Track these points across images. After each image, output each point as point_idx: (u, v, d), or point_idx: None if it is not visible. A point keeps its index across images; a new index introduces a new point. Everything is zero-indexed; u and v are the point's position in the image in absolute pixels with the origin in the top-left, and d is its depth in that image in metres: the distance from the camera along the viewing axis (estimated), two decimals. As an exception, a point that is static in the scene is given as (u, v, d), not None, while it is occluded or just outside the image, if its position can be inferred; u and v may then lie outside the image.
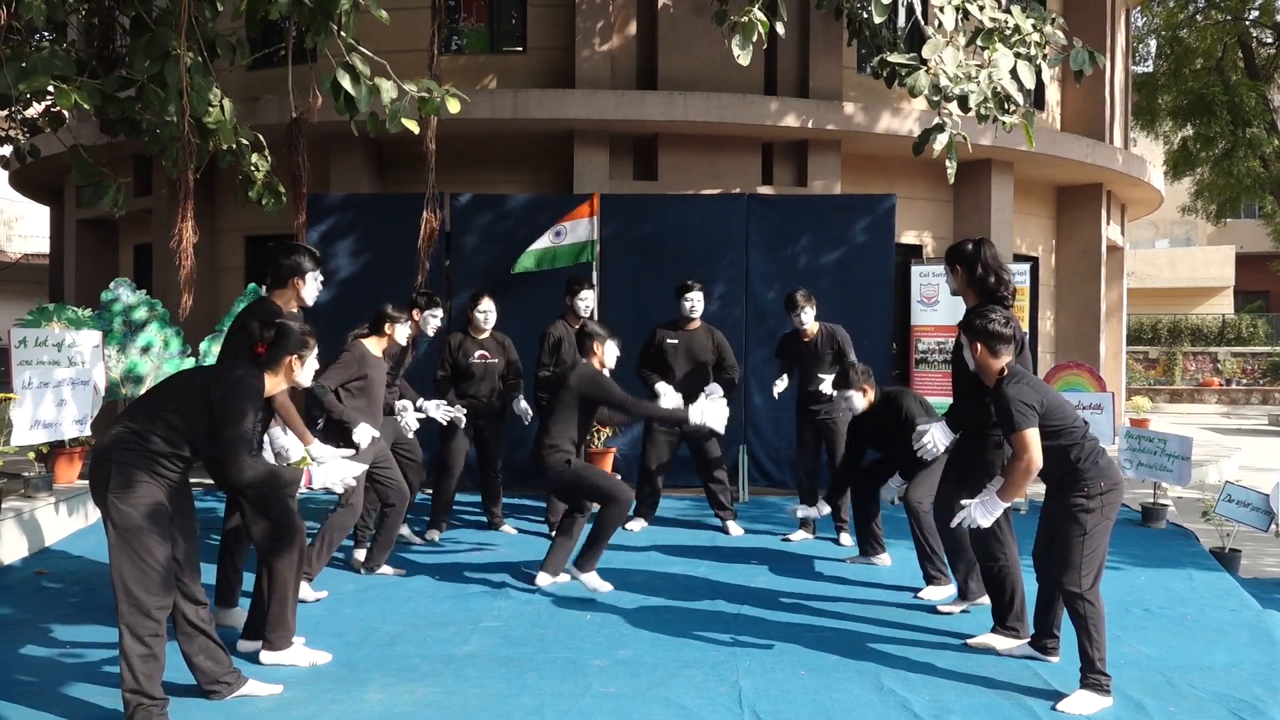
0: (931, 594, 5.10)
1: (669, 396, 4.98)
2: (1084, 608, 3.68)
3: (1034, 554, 4.08)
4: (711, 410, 4.86)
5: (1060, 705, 3.65)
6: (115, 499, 3.25)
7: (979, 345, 3.90)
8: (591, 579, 5.12)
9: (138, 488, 3.26)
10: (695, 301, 6.54)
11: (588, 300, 6.48)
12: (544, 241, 7.62)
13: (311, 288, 4.43)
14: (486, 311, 6.30)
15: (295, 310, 4.46)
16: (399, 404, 5.71)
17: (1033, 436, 3.69)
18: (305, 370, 3.68)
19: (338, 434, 4.95)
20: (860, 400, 5.39)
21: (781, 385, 6.49)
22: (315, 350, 3.72)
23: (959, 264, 4.36)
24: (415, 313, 6.00)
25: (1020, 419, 3.68)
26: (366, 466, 3.78)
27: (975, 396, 4.24)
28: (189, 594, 3.47)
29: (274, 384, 3.62)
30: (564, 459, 4.99)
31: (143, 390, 7.62)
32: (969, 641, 4.36)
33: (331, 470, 3.73)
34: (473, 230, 8.30)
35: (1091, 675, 3.69)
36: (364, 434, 4.98)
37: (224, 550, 4.44)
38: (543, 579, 5.19)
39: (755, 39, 5.89)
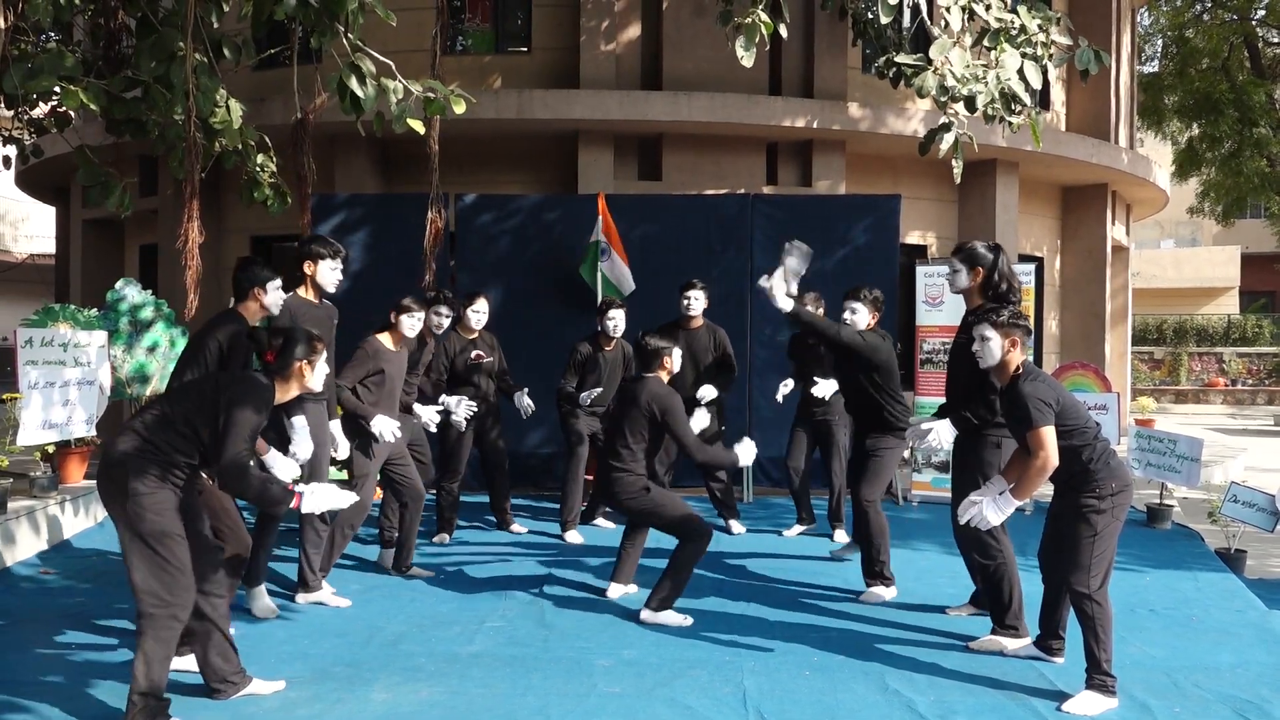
0: (877, 594, 5.08)
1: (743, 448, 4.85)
2: (1092, 608, 3.67)
3: (1040, 555, 4.07)
4: (749, 450, 4.76)
5: (1065, 706, 3.65)
6: (134, 505, 3.25)
7: (1015, 339, 3.87)
8: (669, 617, 4.64)
9: (156, 493, 3.27)
10: (693, 299, 6.49)
11: (615, 320, 6.46)
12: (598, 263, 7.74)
13: (328, 276, 4.73)
14: (480, 312, 6.31)
15: (317, 301, 4.75)
16: (416, 406, 5.68)
17: (1049, 435, 3.67)
18: (316, 374, 3.65)
19: (355, 430, 4.97)
20: (865, 316, 5.34)
21: (786, 389, 6.44)
22: (324, 354, 3.72)
23: (979, 266, 4.36)
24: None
25: (1038, 416, 3.67)
26: (357, 497, 3.73)
27: (980, 395, 4.24)
28: (206, 590, 3.49)
29: (284, 391, 3.59)
30: (641, 485, 4.68)
31: (149, 390, 7.64)
32: (971, 645, 4.35)
33: (321, 497, 3.56)
34: (477, 230, 8.31)
35: (1097, 676, 3.68)
36: (383, 426, 4.97)
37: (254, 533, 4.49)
38: (614, 590, 5.10)
39: (758, 40, 5.89)
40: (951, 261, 4.46)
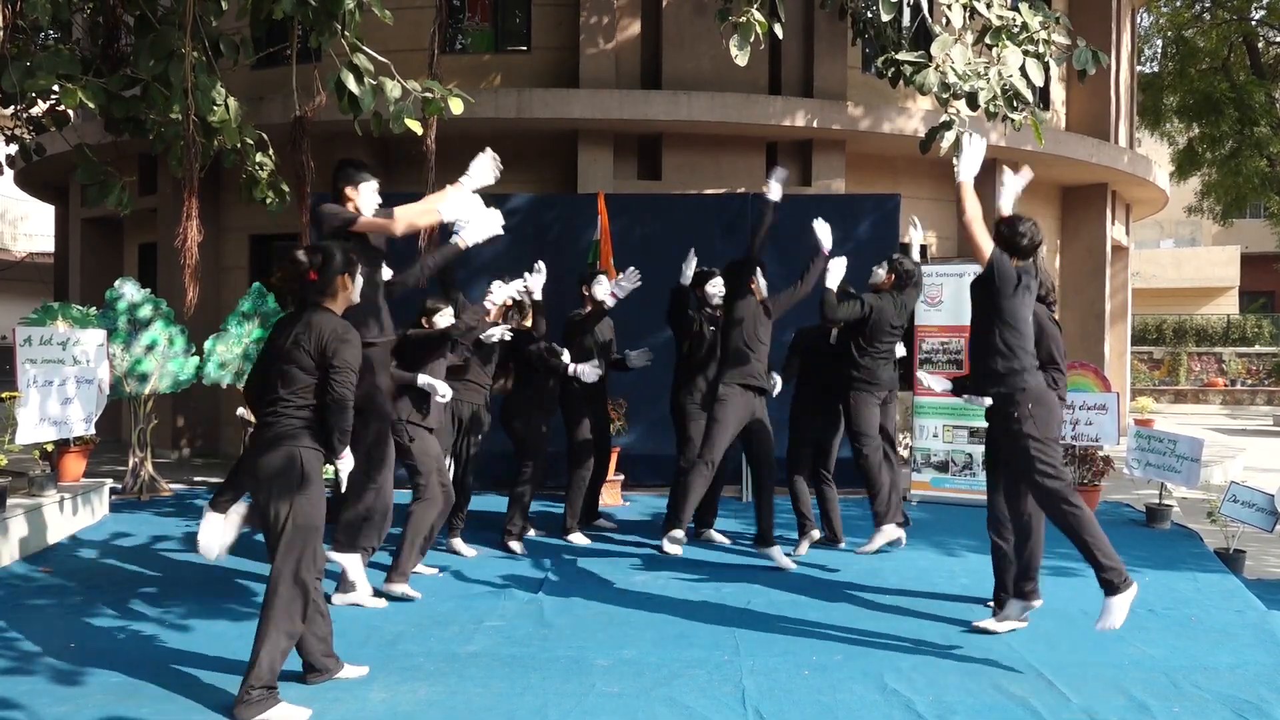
0: (889, 532, 5.75)
1: None
2: (1072, 517, 3.95)
3: (990, 522, 4.46)
4: None
5: (1100, 624, 3.94)
6: (300, 497, 3.45)
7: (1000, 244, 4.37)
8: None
9: (316, 485, 3.47)
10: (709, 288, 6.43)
11: (601, 285, 6.44)
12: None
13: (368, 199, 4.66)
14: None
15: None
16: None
17: (975, 222, 4.39)
18: (355, 286, 3.77)
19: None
20: (881, 274, 6.07)
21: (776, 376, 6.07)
22: (359, 266, 3.81)
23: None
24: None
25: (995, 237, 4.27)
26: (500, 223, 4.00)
27: (990, 345, 4.23)
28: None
29: (336, 307, 3.72)
30: None
31: (147, 389, 7.63)
32: (975, 624, 4.53)
33: (477, 226, 3.93)
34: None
35: (1103, 575, 3.93)
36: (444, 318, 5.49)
37: None
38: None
39: (753, 39, 5.89)
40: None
